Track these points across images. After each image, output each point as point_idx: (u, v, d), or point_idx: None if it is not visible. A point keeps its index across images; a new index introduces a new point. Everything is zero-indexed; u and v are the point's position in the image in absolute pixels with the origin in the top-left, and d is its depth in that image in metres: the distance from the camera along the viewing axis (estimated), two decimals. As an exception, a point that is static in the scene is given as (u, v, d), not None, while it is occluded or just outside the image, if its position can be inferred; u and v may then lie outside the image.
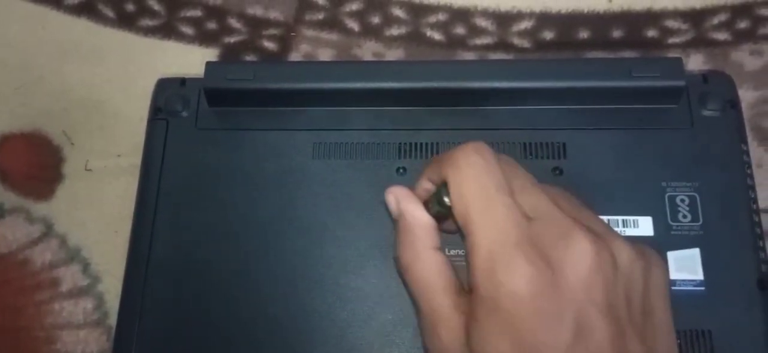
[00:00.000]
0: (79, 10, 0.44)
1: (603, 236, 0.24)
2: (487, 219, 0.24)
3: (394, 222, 0.27)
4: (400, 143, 0.36)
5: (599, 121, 0.36)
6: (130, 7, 0.44)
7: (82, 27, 0.43)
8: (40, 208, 0.39)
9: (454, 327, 0.24)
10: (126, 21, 0.44)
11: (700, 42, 0.41)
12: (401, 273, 0.26)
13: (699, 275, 0.33)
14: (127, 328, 0.34)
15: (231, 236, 0.35)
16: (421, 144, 0.36)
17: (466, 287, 0.25)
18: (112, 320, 0.35)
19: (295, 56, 0.42)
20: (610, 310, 0.23)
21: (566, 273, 0.23)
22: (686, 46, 0.41)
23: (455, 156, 0.25)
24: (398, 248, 0.26)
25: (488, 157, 0.25)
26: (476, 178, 0.24)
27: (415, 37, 0.42)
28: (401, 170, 0.36)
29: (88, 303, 0.37)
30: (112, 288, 0.37)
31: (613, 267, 0.23)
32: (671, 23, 0.42)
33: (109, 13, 0.44)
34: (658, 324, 0.24)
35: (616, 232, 0.25)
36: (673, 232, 0.34)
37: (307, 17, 0.43)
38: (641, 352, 0.23)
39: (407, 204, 0.27)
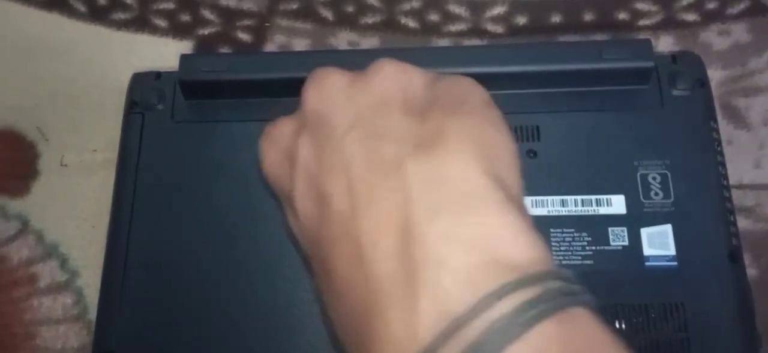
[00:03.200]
0: (49, 5, 0.43)
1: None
2: None
3: None
4: (376, 130, 0.37)
5: (572, 103, 0.37)
6: (101, 0, 0.44)
7: (53, 21, 0.43)
8: (15, 205, 0.39)
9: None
10: (98, 15, 0.43)
11: (670, 23, 0.42)
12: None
13: (671, 250, 0.34)
14: (107, 322, 0.34)
15: (209, 228, 0.35)
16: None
17: None
18: (92, 314, 0.35)
19: (270, 47, 0.42)
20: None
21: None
22: (656, 27, 0.42)
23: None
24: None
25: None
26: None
27: (389, 25, 0.43)
28: None
29: (67, 298, 0.37)
30: (91, 282, 0.36)
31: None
32: (641, 6, 0.42)
33: (81, 7, 0.43)
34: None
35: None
36: (645, 209, 0.35)
37: (281, 7, 0.43)
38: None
39: None
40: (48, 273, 0.37)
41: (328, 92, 0.25)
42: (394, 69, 0.25)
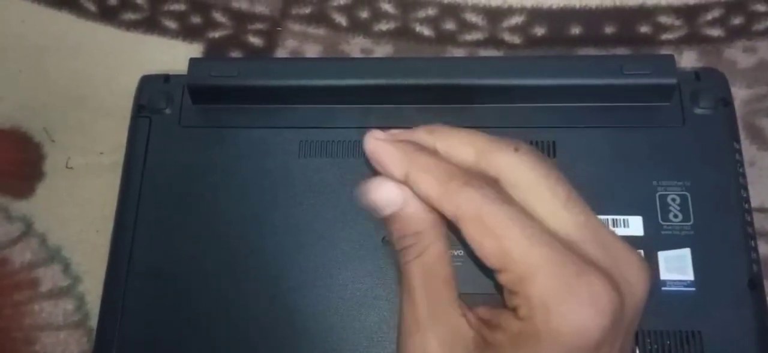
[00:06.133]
0: (60, 4, 0.43)
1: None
2: (537, 249, 0.22)
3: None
4: (387, 141, 0.36)
5: (590, 119, 0.36)
6: (112, 0, 0.43)
7: (64, 21, 0.43)
8: (19, 206, 0.38)
9: (463, 343, 0.23)
10: (108, 15, 0.43)
11: (693, 39, 0.41)
12: (399, 259, 0.25)
13: (689, 275, 0.33)
14: (108, 330, 0.33)
15: (214, 236, 0.34)
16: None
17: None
18: (93, 321, 0.35)
19: (281, 52, 0.42)
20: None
21: (626, 306, 0.22)
22: (679, 42, 0.41)
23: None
24: (398, 230, 0.25)
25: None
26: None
27: (404, 33, 0.42)
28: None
29: (68, 304, 0.36)
30: (93, 288, 0.36)
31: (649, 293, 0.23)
32: (664, 19, 0.41)
33: (91, 6, 0.43)
34: None
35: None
36: (663, 232, 0.33)
37: (294, 11, 0.43)
38: None
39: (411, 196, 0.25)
40: (50, 277, 0.37)
41: None
42: None
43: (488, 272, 0.23)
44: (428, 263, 0.24)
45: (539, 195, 0.23)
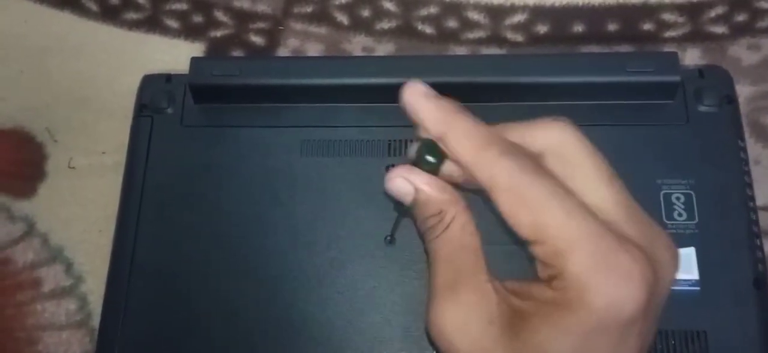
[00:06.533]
0: (62, 4, 0.43)
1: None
2: (575, 223, 0.22)
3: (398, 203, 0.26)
4: (389, 140, 0.36)
5: (593, 116, 0.36)
6: (114, 0, 0.43)
7: (66, 21, 0.42)
8: (21, 206, 0.38)
9: (486, 307, 0.23)
10: (110, 15, 0.43)
11: (697, 36, 0.40)
12: (424, 241, 0.25)
13: (694, 274, 0.32)
14: (110, 330, 0.33)
15: (217, 235, 0.34)
16: (411, 142, 0.35)
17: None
18: (96, 321, 0.35)
19: (283, 51, 0.41)
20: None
21: (660, 285, 0.22)
22: (683, 40, 0.40)
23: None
24: (419, 214, 0.25)
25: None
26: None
27: (405, 31, 0.42)
28: (391, 168, 0.35)
29: (70, 304, 0.36)
30: (95, 288, 0.36)
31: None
32: (668, 16, 0.41)
33: (93, 6, 0.43)
34: None
35: None
36: (668, 230, 0.33)
37: (296, 10, 0.42)
38: None
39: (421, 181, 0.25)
40: (52, 277, 0.37)
41: None
42: None
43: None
44: (451, 238, 0.24)
45: (585, 170, 0.24)
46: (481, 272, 0.24)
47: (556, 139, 0.24)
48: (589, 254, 0.22)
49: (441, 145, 0.25)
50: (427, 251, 0.25)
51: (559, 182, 0.23)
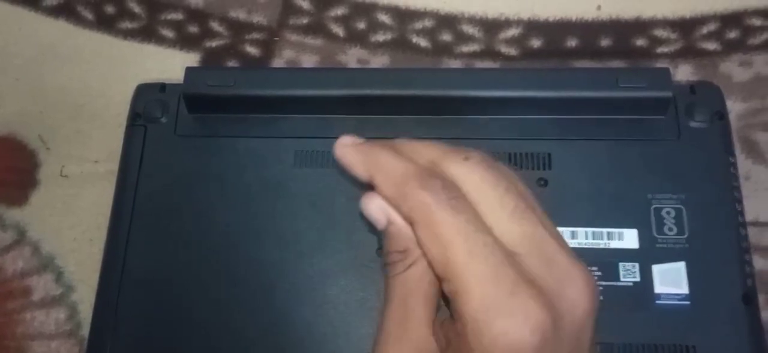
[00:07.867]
0: (57, 12, 0.43)
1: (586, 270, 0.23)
2: (474, 264, 0.22)
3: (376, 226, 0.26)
4: (383, 152, 0.36)
5: (585, 131, 0.36)
6: (109, 9, 0.43)
7: (60, 29, 0.42)
8: (13, 214, 0.38)
9: (424, 349, 0.23)
10: (105, 23, 0.43)
11: (689, 52, 0.41)
12: (386, 272, 0.25)
13: (684, 289, 0.33)
14: (100, 340, 0.33)
15: (209, 246, 0.34)
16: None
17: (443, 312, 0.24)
18: (86, 331, 0.34)
19: (278, 62, 0.42)
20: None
21: (564, 323, 0.22)
22: (675, 56, 0.41)
23: (421, 192, 0.23)
24: (386, 245, 0.25)
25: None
26: (452, 216, 0.23)
27: (400, 44, 0.42)
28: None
29: (60, 313, 0.36)
30: (86, 297, 0.36)
31: (595, 310, 0.23)
32: (660, 32, 0.41)
33: (88, 14, 0.43)
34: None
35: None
36: (658, 245, 0.33)
37: (291, 22, 0.43)
38: None
39: (395, 214, 0.25)
40: (43, 286, 0.36)
41: None
42: None
43: None
44: (409, 280, 0.24)
45: (487, 205, 0.24)
46: (427, 324, 0.24)
47: (455, 174, 0.24)
48: (484, 297, 0.22)
49: (373, 184, 0.25)
50: (385, 285, 0.26)
51: (473, 216, 0.23)
